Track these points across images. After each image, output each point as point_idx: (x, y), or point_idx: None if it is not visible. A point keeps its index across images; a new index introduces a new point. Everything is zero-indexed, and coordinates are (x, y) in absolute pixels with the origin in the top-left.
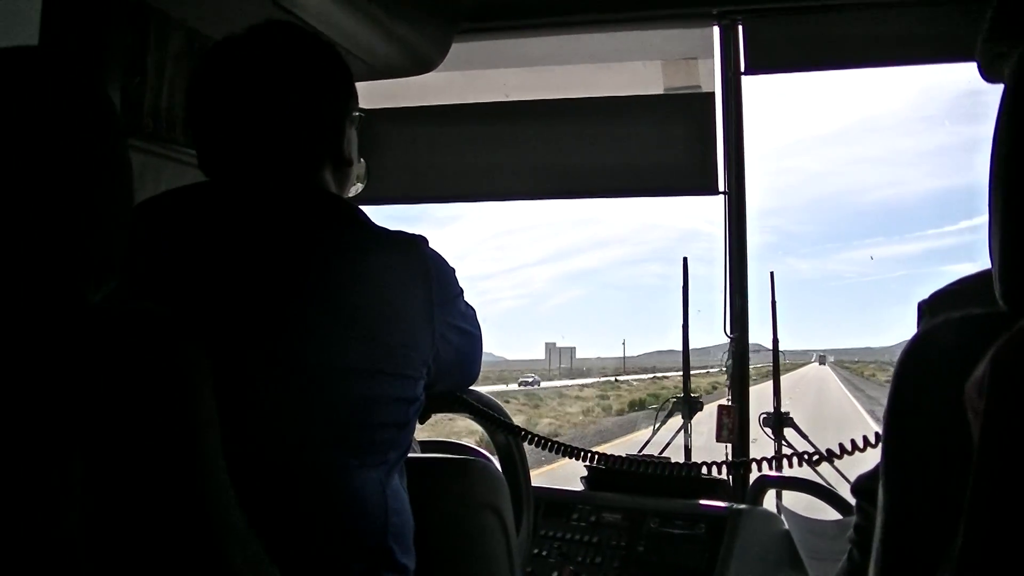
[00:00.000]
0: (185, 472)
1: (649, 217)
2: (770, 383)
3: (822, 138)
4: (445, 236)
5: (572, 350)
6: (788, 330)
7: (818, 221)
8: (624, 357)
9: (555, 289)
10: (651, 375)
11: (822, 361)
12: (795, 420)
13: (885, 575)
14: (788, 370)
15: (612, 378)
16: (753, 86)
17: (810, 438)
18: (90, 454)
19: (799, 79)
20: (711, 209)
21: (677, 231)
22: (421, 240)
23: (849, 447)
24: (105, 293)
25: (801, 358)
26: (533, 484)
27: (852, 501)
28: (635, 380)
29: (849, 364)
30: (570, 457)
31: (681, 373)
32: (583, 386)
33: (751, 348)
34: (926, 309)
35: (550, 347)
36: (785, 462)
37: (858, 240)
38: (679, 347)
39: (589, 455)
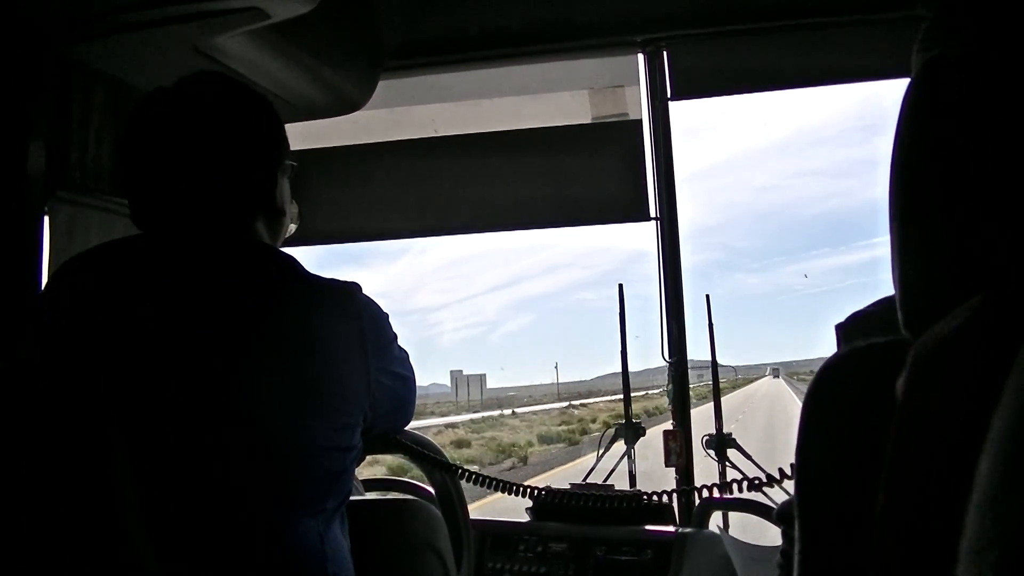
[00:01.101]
0: (97, 531)
1: (597, 240)
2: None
3: (764, 152)
4: (395, 270)
5: (482, 378)
6: (741, 345)
7: (765, 235)
8: (557, 383)
9: (505, 316)
10: (580, 400)
11: (776, 374)
12: (737, 441)
13: None
14: (740, 385)
15: (499, 412)
16: (691, 103)
17: (760, 446)
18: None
19: (736, 96)
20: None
21: (624, 252)
22: (355, 288)
23: (788, 471)
24: (23, 349)
25: (755, 372)
26: (477, 518)
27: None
28: (539, 410)
29: (804, 375)
30: (511, 494)
31: (614, 398)
32: (446, 426)
33: (700, 366)
34: (843, 333)
35: (456, 376)
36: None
37: (805, 252)
38: (632, 367)
39: (530, 491)
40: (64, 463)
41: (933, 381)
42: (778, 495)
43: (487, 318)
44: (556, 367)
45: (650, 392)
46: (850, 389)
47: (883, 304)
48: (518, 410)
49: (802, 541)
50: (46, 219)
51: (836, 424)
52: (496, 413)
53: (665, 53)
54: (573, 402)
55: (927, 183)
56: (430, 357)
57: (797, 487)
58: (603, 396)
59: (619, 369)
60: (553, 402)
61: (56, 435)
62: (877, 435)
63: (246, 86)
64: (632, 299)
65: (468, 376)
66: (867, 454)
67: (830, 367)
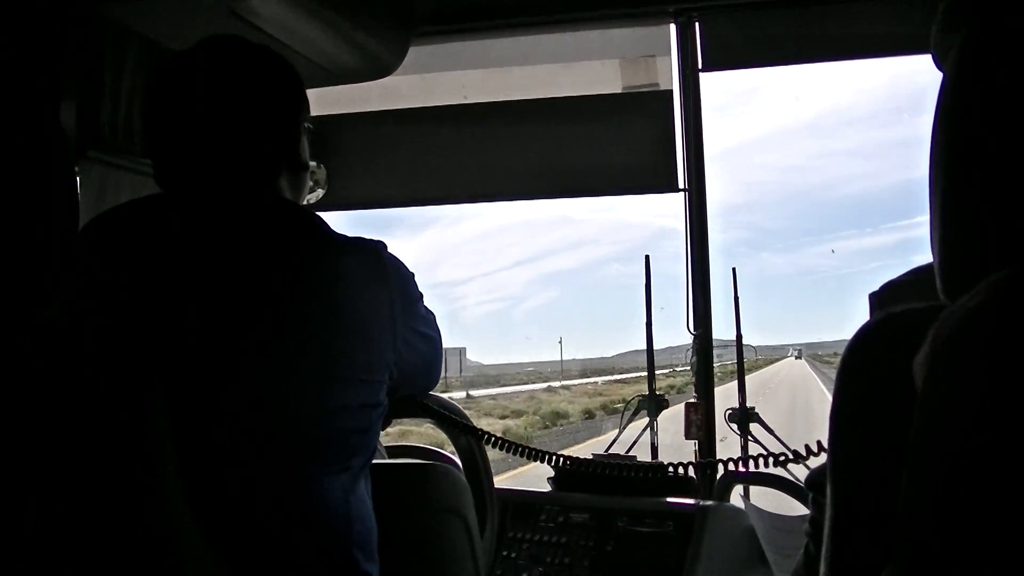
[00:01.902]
0: (136, 487)
1: (623, 215)
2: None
3: (794, 131)
4: (420, 242)
5: (461, 351)
6: (763, 325)
7: (792, 215)
8: (561, 360)
9: (531, 292)
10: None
11: (798, 355)
12: (761, 416)
13: (835, 567)
14: (762, 366)
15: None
16: (722, 80)
17: (778, 432)
18: (39, 469)
19: (767, 72)
20: (681, 206)
21: (650, 229)
22: (381, 246)
23: (815, 448)
24: (54, 308)
25: (777, 353)
26: (500, 487)
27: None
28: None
29: (826, 357)
30: (535, 460)
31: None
32: None
33: (722, 344)
34: (876, 301)
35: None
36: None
37: (832, 233)
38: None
39: (555, 458)
40: (103, 421)
41: (955, 357)
42: (799, 471)
43: (511, 292)
44: (560, 342)
45: (676, 369)
46: (886, 354)
47: (917, 273)
48: (494, 391)
49: (833, 507)
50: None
51: (871, 389)
52: (461, 395)
53: (697, 23)
54: (566, 382)
55: (970, 154)
56: (450, 332)
57: (830, 453)
58: (614, 375)
59: (641, 347)
60: (556, 379)
61: (93, 393)
62: (912, 401)
63: (264, 46)
64: (657, 276)
65: (445, 349)
66: (902, 420)
67: (867, 332)
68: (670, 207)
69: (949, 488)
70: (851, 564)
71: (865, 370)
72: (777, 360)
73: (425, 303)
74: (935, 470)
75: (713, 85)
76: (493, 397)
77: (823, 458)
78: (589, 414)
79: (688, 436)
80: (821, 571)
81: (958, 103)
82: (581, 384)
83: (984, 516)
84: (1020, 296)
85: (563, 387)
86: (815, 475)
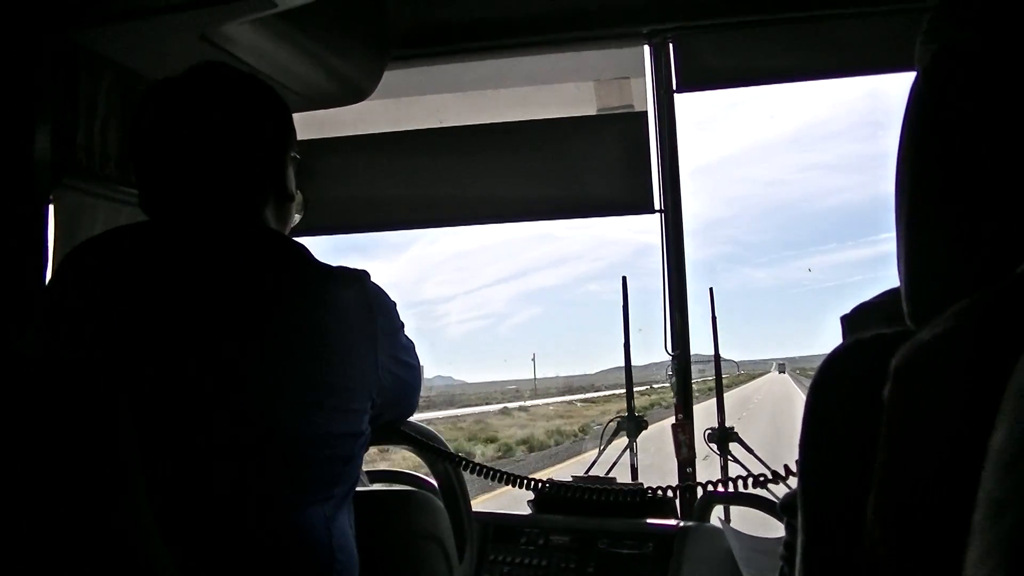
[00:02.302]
0: (107, 521)
1: (605, 232)
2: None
3: (772, 146)
4: (402, 261)
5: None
6: (746, 339)
7: (773, 229)
8: (534, 378)
9: (514, 309)
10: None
11: (781, 370)
12: (740, 435)
13: None
14: (744, 381)
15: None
16: (699, 97)
17: (762, 453)
18: (8, 502)
19: (746, 89)
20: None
21: (632, 245)
22: (364, 275)
23: (794, 468)
24: (26, 339)
25: (761, 367)
26: (480, 510)
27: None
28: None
29: (810, 371)
30: (513, 485)
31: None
32: None
33: (703, 359)
34: (848, 323)
35: None
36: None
37: (814, 247)
38: (635, 362)
39: (534, 483)
40: (72, 454)
41: (916, 390)
42: (780, 491)
43: (494, 310)
44: (533, 359)
45: (653, 386)
46: (855, 380)
47: (889, 295)
48: (441, 413)
49: (804, 532)
50: (51, 208)
51: (840, 415)
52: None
53: (671, 44)
54: (535, 402)
55: (935, 174)
56: (433, 350)
57: (800, 478)
58: (591, 392)
59: (622, 364)
60: (530, 398)
61: (63, 427)
62: (879, 426)
63: (253, 75)
64: (639, 292)
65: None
66: (870, 445)
67: (836, 357)
68: (651, 224)
69: (904, 516)
70: None
71: (833, 396)
72: (760, 375)
73: (406, 332)
74: (893, 495)
75: (692, 101)
76: (430, 422)
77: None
78: (528, 445)
79: (678, 456)
80: None
81: (919, 130)
82: (549, 404)
83: (934, 543)
84: (982, 325)
85: (521, 408)
86: (788, 499)
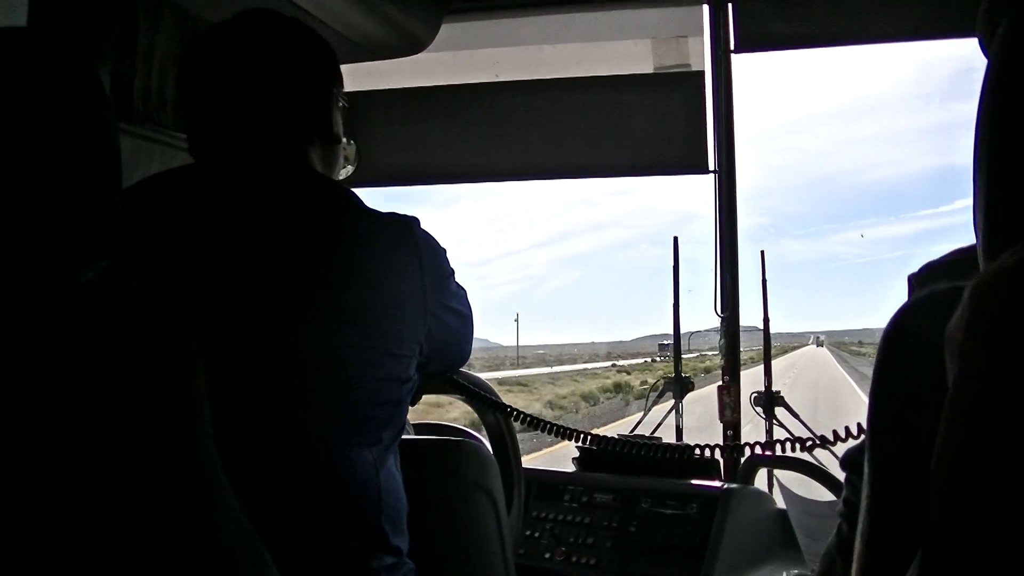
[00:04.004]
0: (176, 450)
1: (645, 200)
2: (760, 368)
3: (819, 117)
4: (444, 219)
5: None
6: (785, 312)
7: (814, 201)
8: (517, 344)
9: (553, 272)
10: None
11: (819, 343)
12: (786, 400)
13: (870, 548)
14: (784, 352)
15: None
16: (748, 64)
17: (802, 416)
18: (82, 431)
19: (795, 57)
20: (704, 192)
21: (672, 214)
22: (413, 221)
23: (843, 433)
24: (97, 272)
25: (798, 340)
26: (525, 467)
27: (842, 477)
28: None
29: (852, 346)
30: (563, 438)
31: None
32: None
33: (747, 330)
34: (916, 282)
35: None
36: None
37: (854, 221)
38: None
39: (582, 436)
40: (147, 383)
41: (997, 313)
42: (824, 457)
43: (533, 272)
44: (516, 320)
45: (702, 353)
46: (929, 331)
47: (959, 254)
48: None
49: (871, 486)
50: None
51: (914, 367)
52: None
53: (729, 4)
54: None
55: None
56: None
57: (870, 431)
58: (621, 359)
59: (656, 332)
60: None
61: (135, 356)
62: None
63: (297, 19)
64: (671, 260)
65: None
66: (944, 398)
67: (909, 308)
68: (687, 193)
69: (976, 448)
70: (887, 545)
71: (907, 347)
72: (797, 347)
73: (456, 279)
74: (970, 433)
75: (739, 68)
76: None
77: (850, 444)
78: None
79: (722, 418)
80: (856, 551)
81: (1004, 89)
82: (548, 373)
83: (1008, 476)
84: None
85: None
86: (851, 454)
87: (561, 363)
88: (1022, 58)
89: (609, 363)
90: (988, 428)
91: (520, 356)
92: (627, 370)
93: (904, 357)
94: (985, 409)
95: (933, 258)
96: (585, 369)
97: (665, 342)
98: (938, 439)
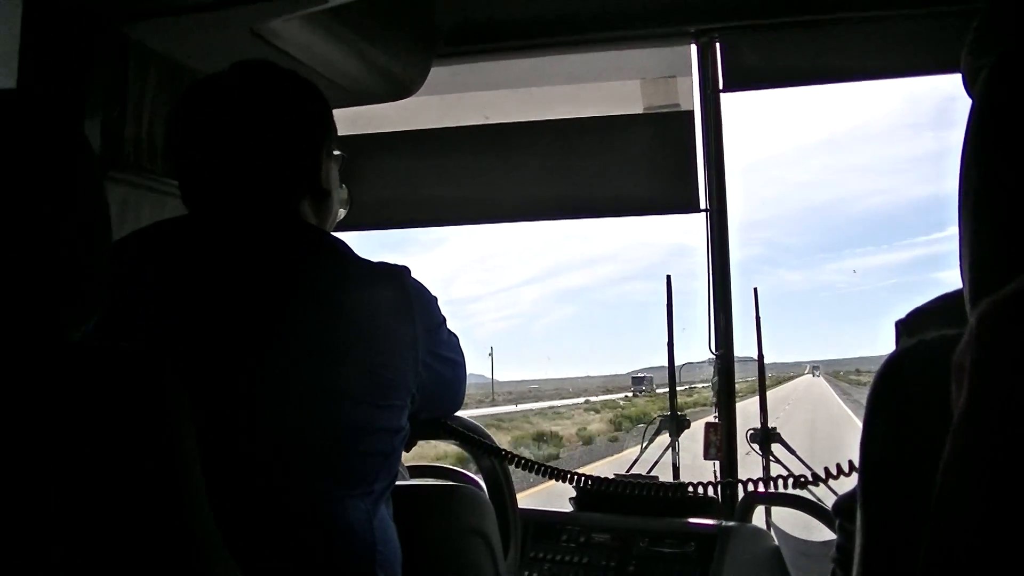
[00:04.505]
0: (166, 511)
1: (638, 234)
2: (751, 400)
3: (810, 148)
4: (432, 260)
5: None
6: (780, 342)
7: (808, 232)
8: (492, 380)
9: (543, 309)
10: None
11: (815, 372)
12: (782, 435)
13: None
14: (780, 382)
15: None
16: (739, 98)
17: (798, 452)
18: (69, 492)
19: (784, 90)
20: (698, 224)
21: (665, 247)
22: (404, 271)
23: (834, 471)
24: (87, 329)
25: (794, 370)
26: (521, 506)
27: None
28: None
29: (846, 375)
30: (558, 480)
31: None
32: None
33: (742, 360)
34: (903, 328)
35: None
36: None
37: (848, 250)
38: (666, 363)
39: (578, 478)
40: (134, 442)
41: (1005, 341)
42: (820, 493)
43: (523, 310)
44: (491, 353)
45: (692, 386)
46: (919, 380)
47: (945, 300)
48: None
49: (864, 534)
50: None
51: (903, 415)
52: None
53: (718, 44)
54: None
55: (1004, 178)
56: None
57: (861, 479)
58: (610, 395)
59: (650, 364)
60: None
61: (125, 416)
62: (946, 426)
63: (292, 71)
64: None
65: None
66: (936, 446)
67: (899, 357)
68: (681, 226)
69: (988, 478)
70: None
71: (897, 396)
72: (792, 378)
73: (448, 326)
74: (978, 455)
75: (730, 102)
76: None
77: (845, 480)
78: None
79: (707, 457)
80: None
81: (988, 130)
82: (507, 413)
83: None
84: None
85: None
86: (843, 501)
87: (542, 399)
88: (1002, 104)
89: (582, 399)
90: (996, 450)
91: (508, 392)
92: (596, 407)
93: (895, 406)
94: (993, 431)
95: (930, 292)
96: (553, 407)
97: (639, 375)
98: (943, 462)
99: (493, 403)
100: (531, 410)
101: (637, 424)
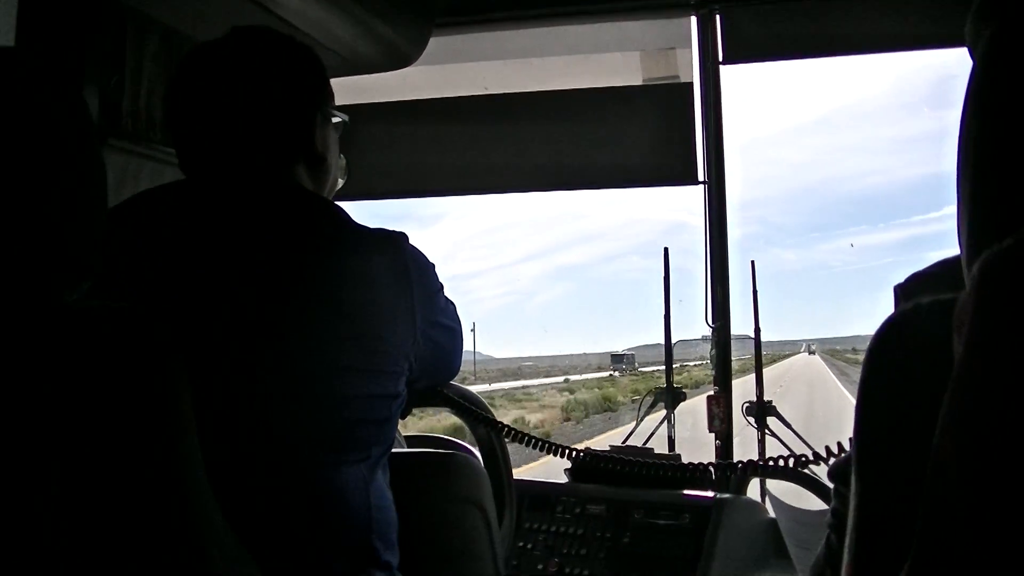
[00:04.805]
0: (162, 471)
1: (634, 211)
2: (747, 377)
3: (804, 127)
4: (430, 235)
5: None
6: (776, 320)
7: (802, 211)
8: (474, 357)
9: (541, 286)
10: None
11: (811, 351)
12: (778, 409)
13: (858, 559)
14: (774, 360)
15: None
16: (734, 76)
17: (794, 425)
18: (66, 454)
19: (780, 69)
20: (694, 201)
21: (662, 224)
22: (401, 237)
23: (835, 449)
24: (81, 293)
25: (789, 348)
26: (517, 478)
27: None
28: None
29: (842, 353)
30: (552, 454)
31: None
32: None
33: (737, 338)
34: (901, 293)
35: None
36: (769, 449)
37: (843, 229)
38: (662, 340)
39: (572, 452)
40: (130, 405)
41: (1002, 289)
42: (816, 467)
43: (521, 287)
44: (473, 328)
45: (683, 363)
46: (916, 341)
47: (943, 265)
48: None
49: (858, 498)
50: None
51: (901, 376)
52: None
53: (718, 16)
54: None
55: (1003, 145)
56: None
57: (856, 444)
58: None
59: (652, 341)
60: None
61: (120, 378)
62: (943, 387)
63: (288, 36)
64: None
65: None
66: (933, 406)
67: (895, 320)
68: (678, 202)
69: (984, 424)
70: (875, 556)
71: (894, 359)
72: (788, 356)
73: (445, 293)
74: (977, 408)
75: (726, 79)
76: None
77: (844, 436)
78: None
79: (711, 429)
80: (844, 562)
81: (987, 96)
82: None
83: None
84: None
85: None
86: (839, 465)
87: (523, 377)
88: (1006, 61)
89: (562, 378)
90: (996, 402)
91: (498, 369)
92: (571, 388)
93: (890, 369)
94: (993, 383)
95: (919, 268)
96: (527, 387)
97: (618, 353)
98: (941, 416)
99: (464, 381)
100: (499, 391)
101: (594, 414)
